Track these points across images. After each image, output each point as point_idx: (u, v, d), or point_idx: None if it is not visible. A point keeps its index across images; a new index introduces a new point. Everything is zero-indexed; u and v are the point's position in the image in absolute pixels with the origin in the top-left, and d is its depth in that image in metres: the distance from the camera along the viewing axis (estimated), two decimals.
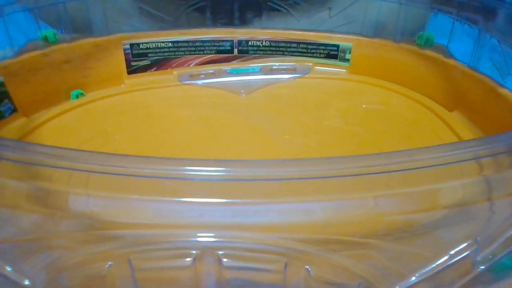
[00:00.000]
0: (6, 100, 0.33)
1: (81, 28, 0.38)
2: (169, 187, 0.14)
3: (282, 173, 0.15)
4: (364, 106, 0.39)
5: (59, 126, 0.34)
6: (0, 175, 0.14)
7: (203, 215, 0.14)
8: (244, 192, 0.14)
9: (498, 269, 0.17)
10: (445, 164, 0.16)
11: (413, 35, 0.40)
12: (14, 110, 0.34)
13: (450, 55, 0.38)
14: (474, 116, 0.35)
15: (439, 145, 0.17)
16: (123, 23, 0.41)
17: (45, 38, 0.36)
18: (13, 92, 0.34)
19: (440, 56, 0.38)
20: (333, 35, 0.43)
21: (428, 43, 0.39)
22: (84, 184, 0.14)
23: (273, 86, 0.42)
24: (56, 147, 0.14)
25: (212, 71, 0.43)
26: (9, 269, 0.15)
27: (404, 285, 0.15)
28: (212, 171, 0.14)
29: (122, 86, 0.41)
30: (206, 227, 0.14)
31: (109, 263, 0.14)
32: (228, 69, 0.43)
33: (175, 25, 0.43)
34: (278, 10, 0.44)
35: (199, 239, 0.14)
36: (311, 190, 0.15)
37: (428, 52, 0.39)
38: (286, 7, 0.44)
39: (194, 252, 0.14)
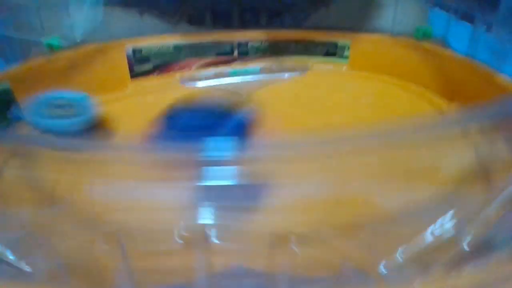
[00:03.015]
0: (13, 107, 0.34)
1: (84, 33, 0.39)
2: (162, 172, 0.15)
3: (274, 154, 0.15)
4: (364, 101, 0.39)
5: None
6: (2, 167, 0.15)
7: (196, 198, 0.14)
8: (234, 174, 0.15)
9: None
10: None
11: (410, 29, 0.41)
12: (20, 117, 0.35)
13: (448, 47, 0.38)
14: (473, 106, 0.35)
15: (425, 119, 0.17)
16: (125, 27, 0.42)
17: (50, 45, 0.37)
18: (20, 98, 0.35)
19: (437, 48, 0.38)
20: (331, 33, 0.43)
21: (426, 36, 0.40)
22: (80, 172, 0.15)
23: (273, 85, 0.43)
24: (50, 137, 0.14)
25: (213, 73, 0.44)
26: (11, 256, 0.15)
27: (390, 263, 0.15)
28: (209, 153, 0.15)
29: (126, 90, 0.42)
30: (196, 209, 0.15)
31: (105, 247, 0.15)
32: (228, 71, 0.44)
33: (176, 28, 0.44)
34: (276, 10, 0.45)
35: (190, 221, 0.15)
36: (298, 171, 0.15)
37: (426, 45, 0.39)
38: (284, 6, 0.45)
39: (185, 234, 0.15)
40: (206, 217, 0.15)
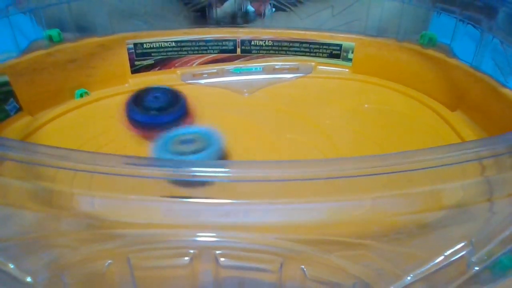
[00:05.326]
0: (11, 99, 0.34)
1: (85, 27, 0.39)
2: (168, 188, 0.15)
3: (279, 174, 0.15)
4: (366, 105, 0.39)
5: (63, 125, 0.35)
6: (4, 175, 0.15)
7: (201, 215, 0.14)
8: (241, 193, 0.14)
9: (497, 269, 0.17)
10: (442, 166, 0.16)
11: (415, 35, 0.40)
12: (19, 109, 0.34)
13: (453, 55, 0.38)
14: (476, 116, 0.35)
15: (437, 146, 0.17)
16: (127, 22, 0.41)
17: (50, 38, 0.37)
18: (18, 91, 0.34)
19: (442, 56, 0.38)
20: (335, 34, 0.43)
21: (431, 43, 0.39)
22: (86, 185, 0.14)
23: (275, 85, 0.42)
24: (58, 148, 0.14)
25: (215, 70, 0.43)
26: (12, 266, 0.15)
27: (399, 285, 0.15)
28: (210, 172, 0.14)
29: (126, 85, 0.41)
30: (204, 227, 0.14)
31: (109, 261, 0.14)
32: (231, 69, 0.44)
33: (179, 24, 0.43)
34: (281, 9, 0.45)
35: (197, 238, 0.14)
36: (307, 191, 0.15)
37: (431, 52, 0.39)
38: (289, 6, 0.44)
39: (192, 251, 0.14)
40: (212, 234, 0.14)
